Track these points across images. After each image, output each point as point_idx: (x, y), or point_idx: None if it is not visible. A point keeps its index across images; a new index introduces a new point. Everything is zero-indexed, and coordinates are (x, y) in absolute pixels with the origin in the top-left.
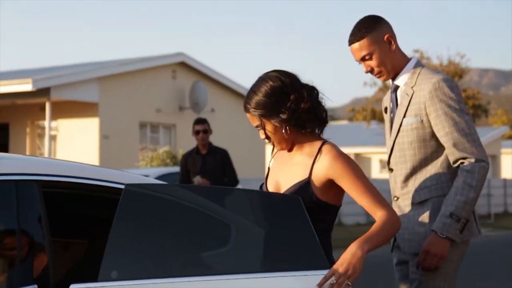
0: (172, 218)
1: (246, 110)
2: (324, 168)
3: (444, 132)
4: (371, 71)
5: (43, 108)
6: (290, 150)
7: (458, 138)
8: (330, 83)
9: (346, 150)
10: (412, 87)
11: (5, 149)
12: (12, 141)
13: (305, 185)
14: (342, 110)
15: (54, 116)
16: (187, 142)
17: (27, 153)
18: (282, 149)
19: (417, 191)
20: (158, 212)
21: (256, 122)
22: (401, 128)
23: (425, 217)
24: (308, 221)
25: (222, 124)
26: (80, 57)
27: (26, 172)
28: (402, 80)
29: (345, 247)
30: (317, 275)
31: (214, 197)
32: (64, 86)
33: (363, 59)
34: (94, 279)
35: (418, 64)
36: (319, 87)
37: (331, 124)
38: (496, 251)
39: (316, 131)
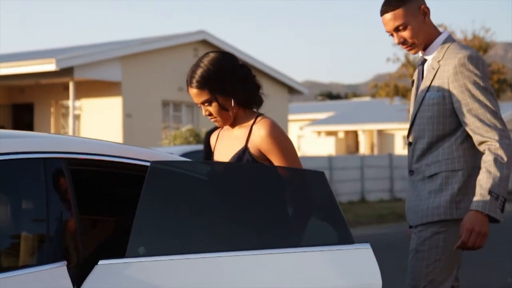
0: (197, 194)
1: (197, 85)
2: (256, 140)
3: (466, 109)
4: (403, 42)
5: (66, 88)
6: (231, 126)
7: (481, 116)
8: (351, 59)
9: (368, 126)
10: (438, 61)
11: (30, 129)
12: (36, 120)
13: (243, 153)
14: (364, 87)
15: (77, 96)
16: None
17: (52, 132)
18: (225, 125)
19: (428, 165)
20: (184, 188)
21: (204, 97)
22: (423, 102)
23: (433, 190)
24: (333, 195)
25: None
26: (103, 37)
27: (54, 150)
28: (430, 54)
29: (368, 223)
30: (343, 250)
31: (237, 173)
32: (87, 65)
33: (396, 30)
34: (122, 256)
35: (449, 39)
36: (341, 63)
37: (353, 100)
38: None
39: (254, 108)
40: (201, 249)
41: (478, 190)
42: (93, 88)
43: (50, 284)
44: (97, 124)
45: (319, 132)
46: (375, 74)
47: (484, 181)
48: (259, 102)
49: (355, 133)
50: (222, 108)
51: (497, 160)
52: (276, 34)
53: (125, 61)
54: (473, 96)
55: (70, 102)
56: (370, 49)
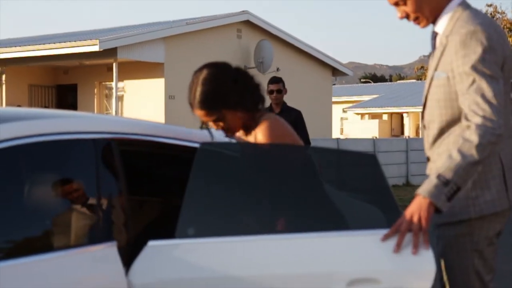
0: (246, 176)
1: (200, 106)
2: (257, 139)
3: (461, 92)
4: (407, 17)
5: (110, 69)
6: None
7: (472, 100)
8: (397, 41)
9: (414, 109)
10: (447, 36)
11: (74, 109)
12: (80, 101)
13: None
14: (410, 69)
15: (120, 77)
16: None
17: (96, 113)
18: (236, 132)
19: (439, 154)
20: (233, 170)
21: (212, 116)
22: (432, 83)
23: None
24: (385, 178)
25: (287, 83)
26: (146, 17)
27: (104, 130)
28: (440, 26)
29: None
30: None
31: (287, 155)
32: (130, 46)
33: (396, 4)
34: (170, 237)
35: (462, 4)
36: (386, 44)
37: (399, 82)
38: None
39: (260, 108)
40: (250, 231)
41: (431, 175)
42: (136, 69)
43: (101, 263)
44: (140, 105)
45: (362, 115)
46: (420, 56)
47: (440, 164)
48: (263, 100)
49: (400, 116)
50: (233, 121)
51: (464, 145)
52: (320, 15)
53: (168, 42)
54: (468, 80)
55: (113, 83)
56: (415, 29)
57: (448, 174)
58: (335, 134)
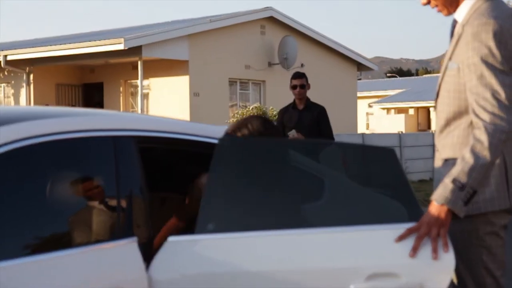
0: (265, 171)
1: None
2: None
3: (469, 86)
4: (429, 3)
5: (135, 67)
6: None
7: (480, 95)
8: (423, 35)
9: None
10: (463, 26)
11: (101, 107)
12: (106, 100)
13: None
14: (436, 63)
15: (146, 75)
16: (276, 98)
17: (122, 111)
18: None
19: (444, 146)
20: (252, 165)
21: None
22: (445, 72)
23: (444, 177)
24: (403, 173)
25: (312, 79)
26: (170, 15)
27: (123, 128)
28: (460, 15)
29: None
30: None
31: (307, 150)
32: (155, 44)
33: None
34: (191, 232)
35: None
36: (412, 38)
37: (425, 76)
38: None
39: None
40: (270, 226)
41: (445, 178)
42: (161, 67)
43: (122, 259)
44: (165, 103)
45: (388, 109)
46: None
47: (454, 168)
48: None
49: (426, 110)
50: None
51: (475, 146)
52: (346, 10)
53: (192, 40)
54: (476, 73)
55: (138, 81)
56: (442, 23)
57: (463, 178)
58: (361, 129)
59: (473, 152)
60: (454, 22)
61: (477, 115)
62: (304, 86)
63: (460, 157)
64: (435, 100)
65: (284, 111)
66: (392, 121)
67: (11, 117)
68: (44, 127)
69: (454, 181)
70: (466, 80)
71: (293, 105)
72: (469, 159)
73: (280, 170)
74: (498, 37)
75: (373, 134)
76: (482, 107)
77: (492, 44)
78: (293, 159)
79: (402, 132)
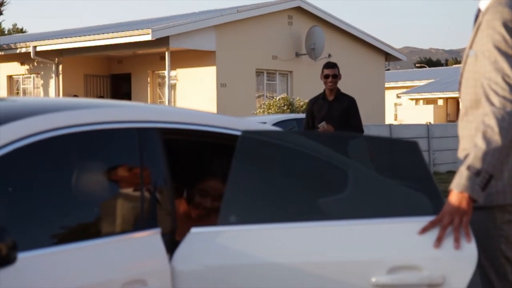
0: (288, 164)
1: None
2: None
3: (482, 72)
4: None
5: (163, 58)
6: None
7: (492, 81)
8: (453, 24)
9: None
10: (483, 15)
11: (128, 98)
12: (134, 90)
13: None
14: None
15: (173, 65)
16: (303, 89)
17: (149, 102)
18: None
19: (462, 137)
20: (275, 158)
21: None
22: (467, 61)
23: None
24: (426, 165)
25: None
26: (197, 5)
27: (147, 120)
28: (483, 3)
29: None
30: None
31: (330, 143)
32: (182, 35)
33: None
34: (213, 224)
35: None
36: (442, 28)
37: (455, 66)
38: None
39: None
40: (292, 218)
41: (460, 167)
42: (188, 57)
43: (146, 250)
44: (192, 94)
45: (417, 100)
46: None
47: (468, 156)
48: None
49: (455, 101)
50: None
51: (486, 131)
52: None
53: (219, 30)
54: (490, 59)
55: (166, 72)
56: (471, 12)
57: (477, 163)
58: (389, 120)
59: (485, 138)
60: (478, 11)
61: (488, 99)
62: (336, 76)
63: (473, 144)
64: (458, 90)
65: (313, 102)
66: (420, 111)
67: (40, 109)
68: (71, 119)
69: (469, 167)
70: (480, 66)
71: (323, 96)
72: (481, 145)
73: (303, 162)
74: (510, 24)
75: (400, 125)
76: (493, 91)
77: (503, 31)
78: (316, 151)
79: (430, 123)
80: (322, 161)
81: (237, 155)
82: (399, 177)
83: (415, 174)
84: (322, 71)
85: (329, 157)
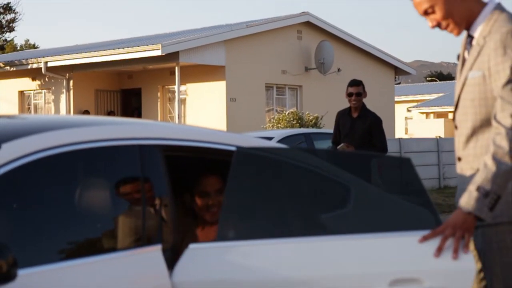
0: (286, 179)
1: None
2: None
3: (496, 91)
4: (438, 25)
5: (173, 73)
6: None
7: (505, 101)
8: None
9: None
10: (484, 37)
11: (139, 113)
12: (144, 105)
13: None
14: None
15: (183, 80)
16: (313, 103)
17: (159, 116)
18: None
19: (477, 156)
20: (270, 173)
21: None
22: (466, 83)
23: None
24: (420, 181)
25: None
26: (207, 21)
27: (149, 137)
28: (476, 30)
29: None
30: None
31: (324, 158)
32: (192, 50)
33: (425, 13)
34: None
35: (498, 8)
36: (453, 42)
37: None
38: None
39: None
40: (292, 233)
41: (469, 186)
42: (198, 72)
43: (146, 266)
44: (202, 108)
45: (427, 114)
46: None
47: (477, 176)
48: None
49: None
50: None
51: (497, 153)
52: (385, 14)
53: (229, 45)
54: (505, 77)
55: (175, 87)
56: None
57: (487, 185)
58: (400, 133)
59: (495, 159)
60: (470, 39)
61: (498, 120)
62: (360, 94)
63: (482, 164)
64: (453, 112)
65: (341, 115)
66: (431, 125)
67: (46, 126)
68: (75, 136)
69: (479, 188)
70: (494, 86)
71: (348, 111)
72: (492, 166)
73: (302, 178)
74: None
75: (410, 139)
76: (506, 111)
77: None
78: (318, 167)
79: (440, 136)
80: (322, 176)
81: (233, 171)
82: (397, 192)
83: (411, 190)
84: (347, 89)
85: (332, 173)
